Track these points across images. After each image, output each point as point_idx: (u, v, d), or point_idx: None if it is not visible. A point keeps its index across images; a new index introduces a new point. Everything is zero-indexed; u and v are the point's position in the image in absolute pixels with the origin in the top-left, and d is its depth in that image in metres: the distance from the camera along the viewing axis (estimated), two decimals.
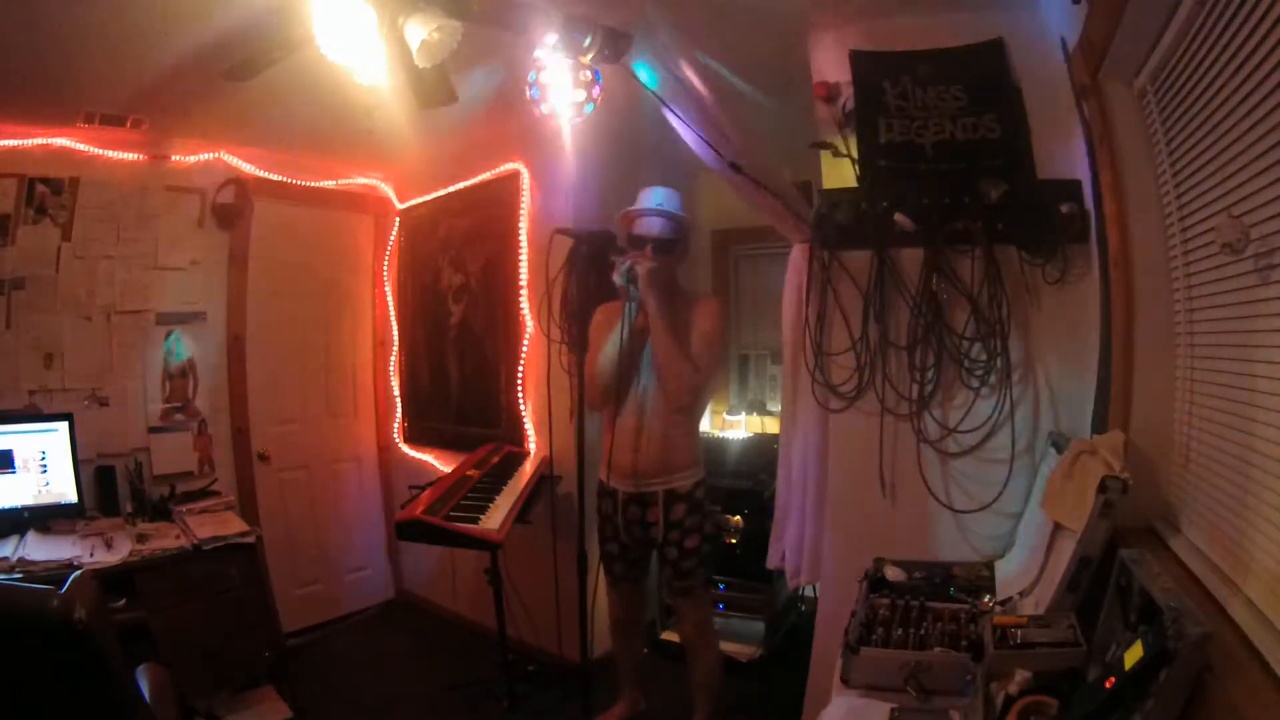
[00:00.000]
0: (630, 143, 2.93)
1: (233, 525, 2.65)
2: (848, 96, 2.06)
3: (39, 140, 2.71)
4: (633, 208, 2.24)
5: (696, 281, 3.77)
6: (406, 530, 2.35)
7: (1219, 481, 1.25)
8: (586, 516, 2.36)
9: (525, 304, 3.11)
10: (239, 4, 1.87)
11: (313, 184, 3.49)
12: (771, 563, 2.40)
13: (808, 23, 2.12)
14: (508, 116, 2.93)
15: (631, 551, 2.33)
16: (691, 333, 2.21)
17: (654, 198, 2.22)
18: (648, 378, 2.23)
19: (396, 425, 3.82)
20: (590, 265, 2.48)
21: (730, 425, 3.64)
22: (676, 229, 2.22)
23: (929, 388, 1.99)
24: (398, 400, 3.82)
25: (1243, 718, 0.84)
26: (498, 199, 3.22)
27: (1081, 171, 1.79)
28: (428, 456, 3.63)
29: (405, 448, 3.79)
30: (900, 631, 1.46)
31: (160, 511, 2.75)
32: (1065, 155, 1.85)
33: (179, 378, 3.07)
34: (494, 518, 2.41)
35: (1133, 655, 0.95)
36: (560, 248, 2.57)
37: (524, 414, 3.15)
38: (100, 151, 2.83)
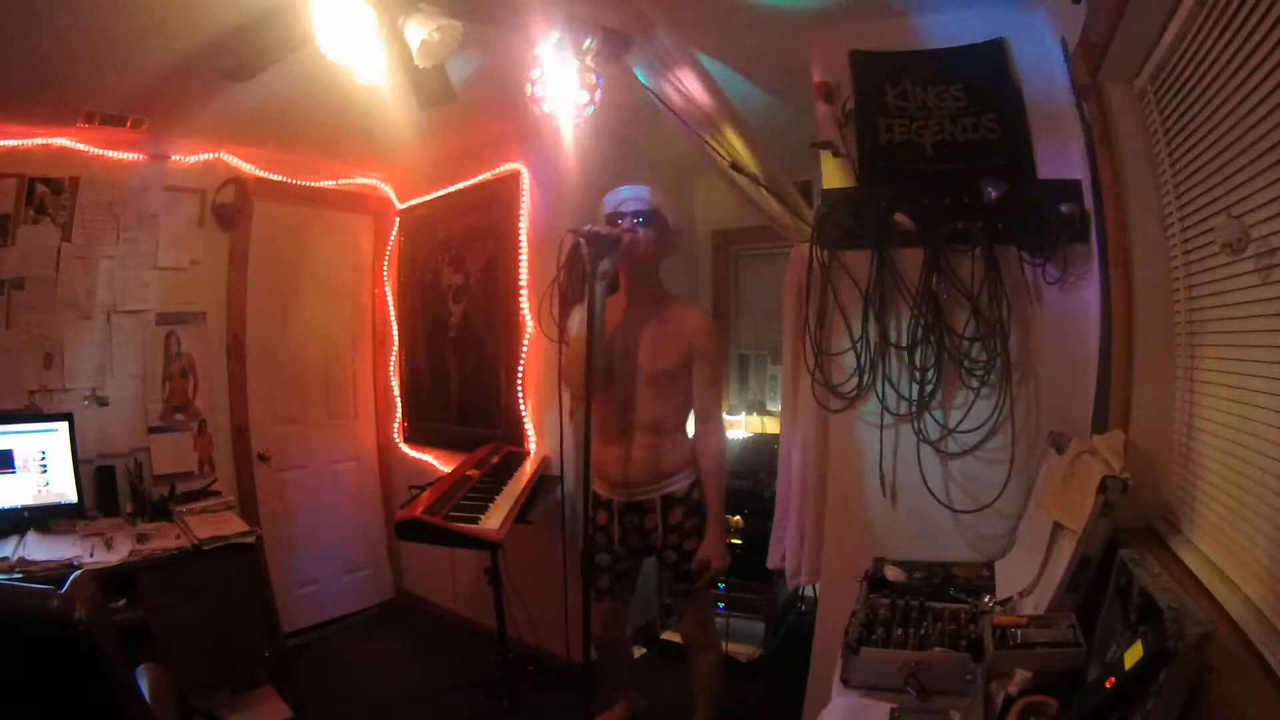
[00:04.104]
0: (630, 143, 2.93)
1: (233, 525, 2.65)
2: (848, 96, 2.07)
3: (39, 140, 2.70)
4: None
5: (697, 281, 3.78)
6: (406, 530, 2.35)
7: (1219, 481, 1.25)
8: (588, 514, 2.35)
9: (525, 304, 3.11)
10: (239, 4, 1.87)
11: (313, 184, 3.48)
12: (771, 563, 2.39)
13: (808, 22, 2.12)
14: (508, 116, 2.93)
15: (622, 561, 2.26)
16: (684, 351, 2.11)
17: (622, 191, 2.16)
18: (631, 385, 2.15)
19: (396, 425, 3.82)
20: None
21: (730, 425, 3.64)
22: (649, 205, 2.12)
23: (929, 388, 1.99)
24: (398, 400, 3.82)
25: (1243, 718, 0.84)
26: (498, 199, 3.22)
27: (1081, 171, 1.79)
28: (428, 456, 3.63)
29: (405, 448, 3.79)
30: (900, 631, 1.46)
31: (160, 511, 2.75)
32: (1065, 155, 1.85)
33: (179, 378, 3.07)
34: (494, 518, 2.41)
35: (1133, 655, 0.96)
36: (569, 246, 2.54)
37: (524, 414, 3.15)
38: (100, 151, 2.83)
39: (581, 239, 2.00)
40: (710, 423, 2.18)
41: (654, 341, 2.13)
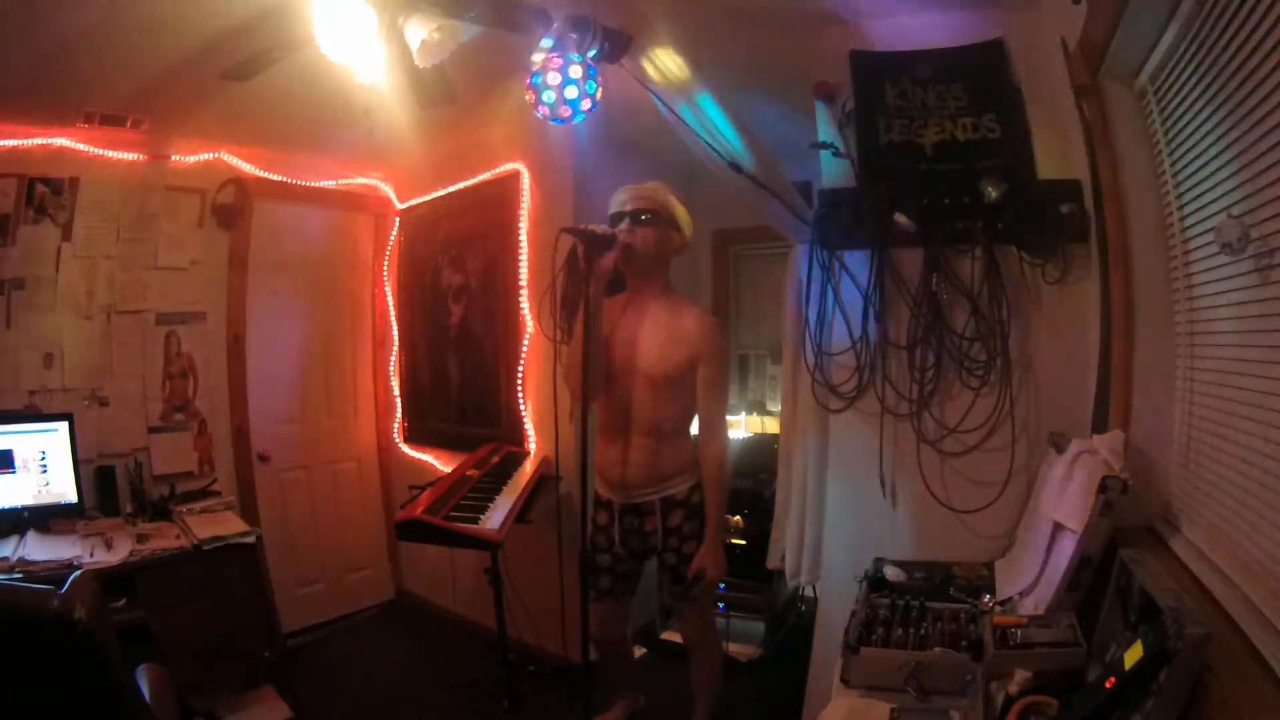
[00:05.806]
0: (630, 143, 2.93)
1: (233, 525, 2.64)
2: (848, 96, 2.07)
3: (39, 140, 2.70)
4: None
5: (698, 281, 3.78)
6: (406, 530, 2.35)
7: (1219, 481, 1.25)
8: (587, 515, 2.34)
9: (525, 304, 3.11)
10: (239, 4, 1.87)
11: (313, 184, 3.48)
12: (771, 563, 2.39)
13: (808, 22, 2.11)
14: (508, 116, 2.93)
15: (623, 563, 2.23)
16: (688, 355, 2.06)
17: (627, 189, 2.13)
18: (631, 386, 2.11)
19: (396, 425, 3.82)
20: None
21: (730, 425, 3.63)
22: (651, 203, 2.09)
23: (929, 388, 1.99)
24: (398, 400, 3.81)
25: (1243, 718, 0.84)
26: (498, 199, 3.22)
27: (1081, 171, 1.79)
28: (428, 456, 3.63)
29: (405, 448, 3.79)
30: (900, 631, 1.46)
31: (160, 511, 2.74)
32: (1065, 155, 1.85)
33: (179, 378, 3.07)
34: (494, 518, 2.41)
35: (1133, 655, 0.96)
36: (564, 246, 2.54)
37: (524, 414, 3.15)
38: (100, 151, 2.83)
39: (576, 238, 1.99)
40: (714, 429, 2.12)
41: (657, 344, 2.08)
